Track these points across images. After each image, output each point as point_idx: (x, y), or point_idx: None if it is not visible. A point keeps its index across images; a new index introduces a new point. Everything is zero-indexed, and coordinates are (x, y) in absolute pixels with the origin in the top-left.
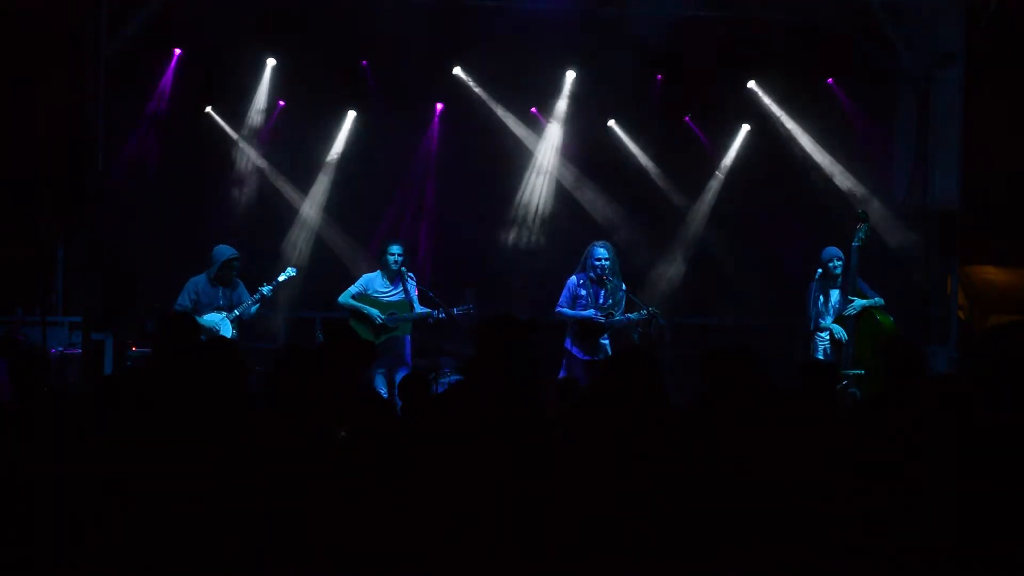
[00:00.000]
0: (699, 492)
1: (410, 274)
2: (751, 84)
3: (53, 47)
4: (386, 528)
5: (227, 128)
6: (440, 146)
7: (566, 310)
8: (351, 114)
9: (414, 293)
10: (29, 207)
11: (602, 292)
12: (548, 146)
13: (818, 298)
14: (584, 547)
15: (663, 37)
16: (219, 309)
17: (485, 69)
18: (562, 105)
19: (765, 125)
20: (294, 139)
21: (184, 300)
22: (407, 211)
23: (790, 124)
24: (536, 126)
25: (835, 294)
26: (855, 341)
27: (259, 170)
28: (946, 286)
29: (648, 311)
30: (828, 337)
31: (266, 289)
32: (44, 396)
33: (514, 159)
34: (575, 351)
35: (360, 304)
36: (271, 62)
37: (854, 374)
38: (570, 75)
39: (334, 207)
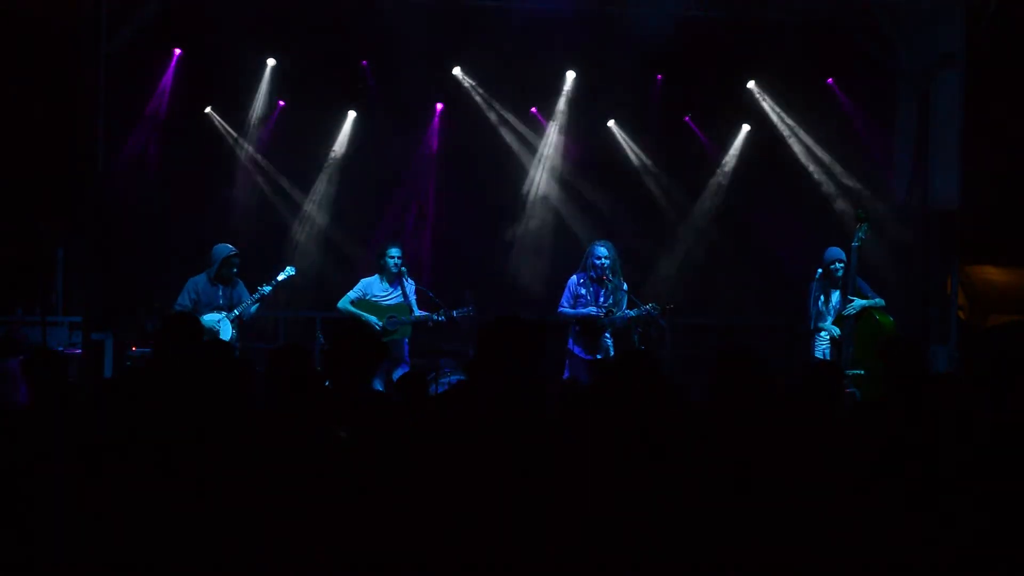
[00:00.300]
0: (699, 492)
1: (409, 277)
2: (751, 84)
3: (53, 47)
4: (386, 528)
5: (227, 128)
6: (440, 146)
7: (567, 310)
8: (351, 114)
9: (413, 296)
10: (29, 207)
11: (602, 291)
12: (548, 146)
13: (819, 298)
14: (584, 547)
15: (663, 37)
16: (219, 308)
17: (485, 69)
18: (562, 105)
19: (765, 125)
20: (294, 139)
21: (184, 300)
22: (407, 211)
23: (790, 124)
24: (536, 126)
25: (835, 294)
26: (854, 341)
27: (259, 170)
28: (946, 286)
29: (648, 309)
30: (828, 337)
31: (266, 289)
32: (66, 397)
33: (514, 159)
34: (577, 351)
35: (359, 311)
36: (271, 62)
37: (853, 374)
38: (570, 75)
39: (334, 207)
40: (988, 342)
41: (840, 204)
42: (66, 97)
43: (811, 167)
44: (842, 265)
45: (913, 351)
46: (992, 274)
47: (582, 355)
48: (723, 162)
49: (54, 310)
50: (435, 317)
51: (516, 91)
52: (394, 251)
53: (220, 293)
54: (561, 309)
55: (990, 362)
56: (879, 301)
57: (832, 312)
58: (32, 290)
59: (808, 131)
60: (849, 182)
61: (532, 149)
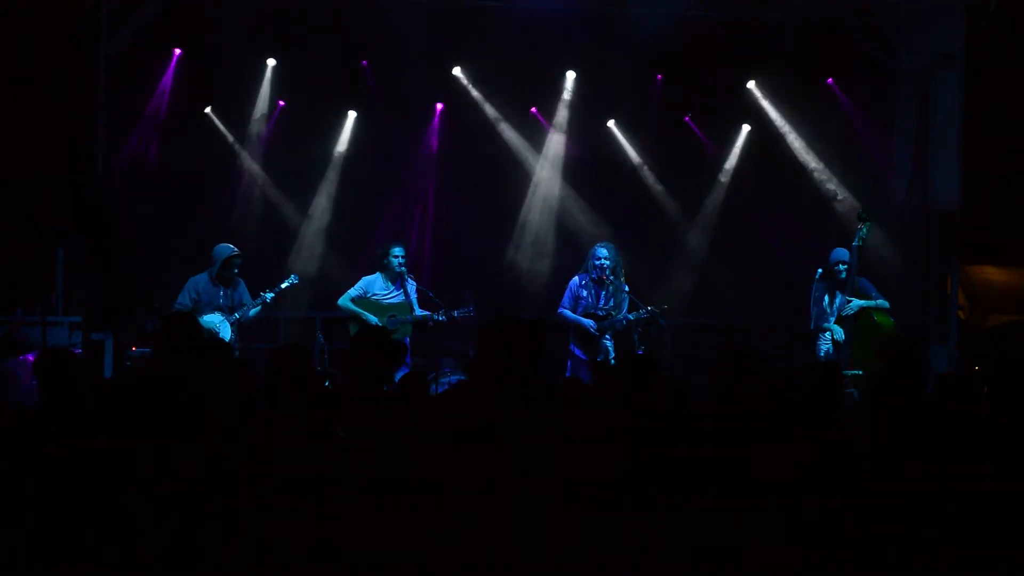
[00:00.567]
0: (699, 492)
1: (410, 276)
2: (751, 84)
3: (53, 47)
4: (386, 528)
5: (226, 129)
6: (440, 146)
7: (567, 312)
8: (351, 114)
9: (414, 295)
10: (29, 207)
11: (603, 293)
12: (548, 146)
13: (821, 298)
14: (584, 547)
15: (663, 37)
16: (220, 309)
17: (485, 69)
18: (562, 105)
19: (765, 125)
20: (294, 139)
21: (184, 299)
22: (407, 211)
23: (790, 124)
24: (536, 126)
25: (838, 295)
26: (853, 341)
27: (259, 170)
28: (946, 286)
29: (649, 311)
30: (830, 338)
31: (268, 295)
32: (83, 397)
33: (514, 159)
34: (577, 352)
35: (359, 309)
36: (271, 62)
37: (852, 374)
38: (570, 75)
39: (334, 207)
40: (988, 342)
41: (840, 204)
42: (66, 97)
43: (811, 167)
44: (845, 267)
45: (913, 351)
46: (992, 274)
47: (582, 356)
48: (723, 162)
49: (54, 310)
50: (436, 317)
51: (516, 91)
52: (397, 250)
53: (221, 293)
54: (561, 310)
55: (990, 362)
56: (883, 303)
57: (835, 313)
58: (32, 290)
59: (808, 131)
60: (849, 182)
61: (532, 149)
